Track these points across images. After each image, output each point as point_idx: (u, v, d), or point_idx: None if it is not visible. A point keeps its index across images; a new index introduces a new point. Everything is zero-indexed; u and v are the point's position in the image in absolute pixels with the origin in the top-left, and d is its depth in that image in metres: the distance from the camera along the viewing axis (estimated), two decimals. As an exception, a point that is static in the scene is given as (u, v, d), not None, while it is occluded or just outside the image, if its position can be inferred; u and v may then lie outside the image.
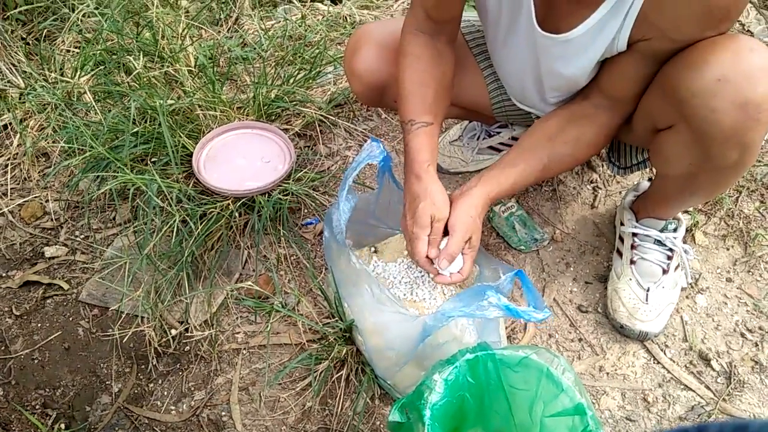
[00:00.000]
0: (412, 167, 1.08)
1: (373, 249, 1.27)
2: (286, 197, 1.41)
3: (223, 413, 1.16)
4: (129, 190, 1.38)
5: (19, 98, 1.70)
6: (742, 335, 1.25)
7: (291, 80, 1.71)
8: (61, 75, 1.71)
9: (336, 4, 2.22)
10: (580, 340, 1.26)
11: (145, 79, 1.59)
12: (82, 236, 1.43)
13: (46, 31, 1.86)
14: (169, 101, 1.53)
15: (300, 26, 1.96)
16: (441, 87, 1.13)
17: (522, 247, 1.40)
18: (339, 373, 1.16)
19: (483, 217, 1.09)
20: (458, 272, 1.07)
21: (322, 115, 1.65)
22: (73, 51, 1.82)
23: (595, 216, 1.47)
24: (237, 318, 1.28)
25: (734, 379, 1.18)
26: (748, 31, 2.04)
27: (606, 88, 1.05)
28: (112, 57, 1.70)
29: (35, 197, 1.50)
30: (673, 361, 1.22)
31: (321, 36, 1.90)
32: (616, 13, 0.90)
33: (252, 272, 1.35)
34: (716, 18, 0.85)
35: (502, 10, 1.05)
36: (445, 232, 1.07)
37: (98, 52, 1.70)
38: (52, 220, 1.47)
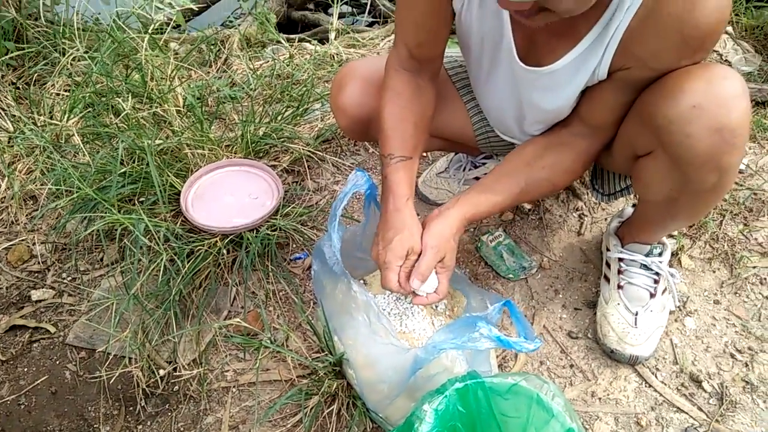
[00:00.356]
0: (390, 200, 1.09)
1: (362, 281, 1.27)
2: (274, 233, 1.41)
3: (213, 453, 1.14)
4: (116, 230, 1.39)
5: (8, 142, 1.71)
6: (732, 356, 1.25)
7: (279, 117, 1.74)
8: (50, 118, 1.73)
9: (323, 44, 2.27)
10: (571, 366, 1.26)
11: (133, 120, 1.61)
12: (69, 278, 1.43)
13: (36, 75, 1.89)
14: (158, 141, 1.55)
15: (288, 65, 2.00)
16: (421, 122, 1.15)
17: (510, 276, 1.41)
18: (330, 408, 1.14)
19: (458, 238, 1.10)
20: (434, 292, 1.08)
21: (309, 151, 1.67)
22: (63, 94, 1.85)
23: (582, 243, 1.48)
24: (226, 356, 1.27)
25: (726, 400, 1.18)
26: (726, 60, 2.09)
27: (585, 116, 1.08)
28: (101, 99, 1.72)
29: (22, 240, 1.50)
30: (665, 384, 1.21)
31: (308, 74, 1.94)
32: (598, 45, 0.93)
33: (240, 309, 1.35)
34: (692, 48, 0.88)
35: (484, 47, 1.08)
36: None
37: (87, 94, 1.72)
38: (39, 263, 1.46)
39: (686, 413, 1.17)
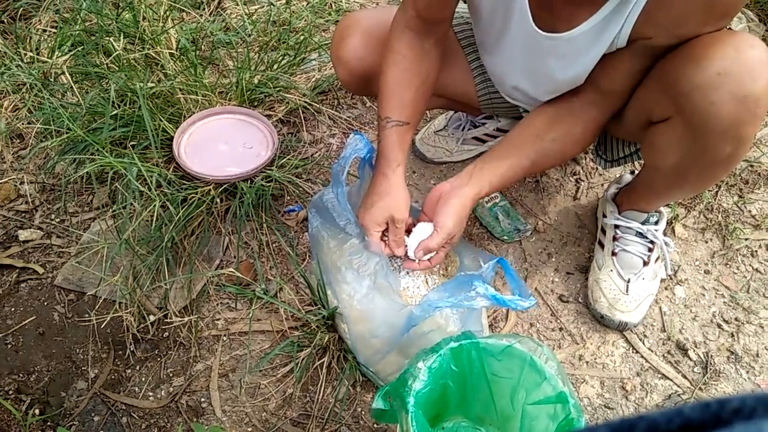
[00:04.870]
0: (380, 165, 1.08)
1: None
2: (269, 184, 1.39)
3: (203, 399, 1.14)
4: (107, 173, 1.35)
5: (-7, 77, 1.65)
6: (719, 326, 1.27)
7: (275, 66, 1.69)
8: (38, 55, 1.67)
9: (321, -10, 2.19)
10: (560, 329, 1.27)
11: (124, 61, 1.56)
12: (58, 220, 1.40)
13: (21, 9, 1.81)
14: (150, 84, 1.50)
15: (285, 11, 1.94)
16: (422, 88, 1.12)
17: (505, 238, 1.41)
18: (321, 360, 1.15)
19: (469, 215, 1.09)
20: (428, 260, 1.08)
21: (306, 102, 1.63)
22: (50, 31, 1.78)
23: (578, 207, 1.48)
24: (217, 304, 1.27)
25: (710, 369, 1.20)
26: (729, 28, 2.06)
27: (599, 82, 1.04)
28: (90, 38, 1.66)
29: (9, 179, 1.46)
30: (651, 351, 1.23)
31: (306, 22, 1.88)
32: (619, 12, 0.90)
33: (233, 259, 1.33)
34: (718, 14, 0.86)
35: (495, 11, 1.04)
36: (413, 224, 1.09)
37: (76, 32, 1.65)
38: (26, 202, 1.43)
39: (671, 380, 1.19)
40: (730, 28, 0.95)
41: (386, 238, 1.11)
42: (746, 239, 1.42)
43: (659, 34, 0.90)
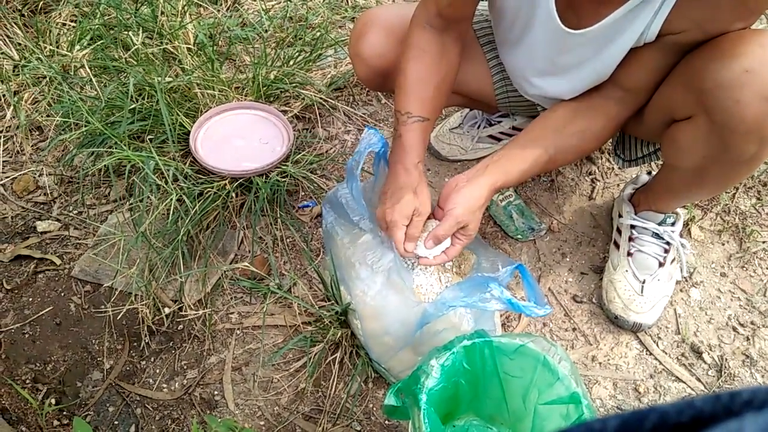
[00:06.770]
0: (402, 159, 1.06)
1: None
2: (284, 179, 1.40)
3: (216, 392, 1.15)
4: (125, 167, 1.37)
5: (13, 71, 1.67)
6: (734, 329, 1.26)
7: (291, 62, 1.70)
8: (57, 48, 1.68)
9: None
10: (574, 329, 1.26)
11: (143, 56, 1.57)
12: (76, 212, 1.41)
13: (42, 3, 1.83)
14: (168, 78, 1.51)
15: (301, 7, 1.94)
16: (442, 85, 1.11)
17: (519, 237, 1.40)
18: (333, 356, 1.15)
19: (485, 207, 1.08)
20: (443, 252, 1.07)
21: (321, 98, 1.64)
22: (69, 25, 1.80)
23: (593, 207, 1.47)
24: (231, 298, 1.27)
25: (725, 372, 1.19)
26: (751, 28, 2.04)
27: (622, 78, 1.03)
28: (109, 32, 1.67)
29: (28, 171, 1.48)
30: (666, 353, 1.23)
31: (322, 18, 1.89)
32: (645, 7, 0.89)
33: (247, 253, 1.34)
34: (749, 9, 0.85)
35: (520, 11, 1.03)
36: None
37: (95, 26, 1.67)
38: (45, 194, 1.45)
39: (684, 383, 1.19)
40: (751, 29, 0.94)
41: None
42: (764, 242, 1.40)
43: (690, 28, 0.89)
